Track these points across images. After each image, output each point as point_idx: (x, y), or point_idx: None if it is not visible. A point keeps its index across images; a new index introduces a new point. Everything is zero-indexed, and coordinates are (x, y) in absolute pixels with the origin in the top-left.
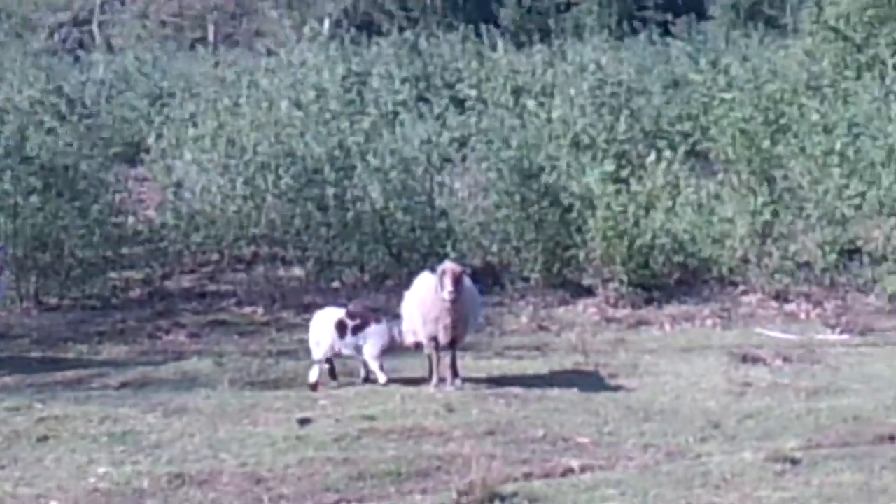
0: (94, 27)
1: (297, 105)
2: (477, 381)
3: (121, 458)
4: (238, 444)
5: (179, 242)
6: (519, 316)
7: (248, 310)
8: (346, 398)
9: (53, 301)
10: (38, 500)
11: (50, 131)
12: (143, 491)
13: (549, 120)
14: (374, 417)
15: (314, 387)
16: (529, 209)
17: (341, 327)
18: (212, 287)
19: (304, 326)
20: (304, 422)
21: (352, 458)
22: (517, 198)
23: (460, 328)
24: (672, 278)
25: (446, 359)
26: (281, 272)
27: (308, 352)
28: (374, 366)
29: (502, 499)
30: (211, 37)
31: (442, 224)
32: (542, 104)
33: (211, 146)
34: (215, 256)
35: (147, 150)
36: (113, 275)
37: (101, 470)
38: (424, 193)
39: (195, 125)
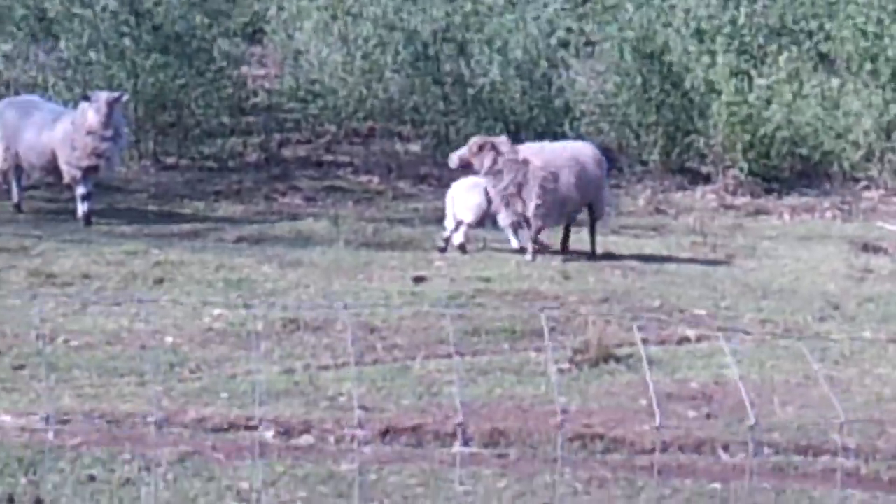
0: None
1: None
2: (593, 254)
3: (235, 303)
4: (353, 297)
5: (297, 112)
6: (636, 198)
7: (364, 178)
8: (462, 261)
9: (171, 160)
10: (154, 336)
11: None
12: (257, 333)
13: (672, 6)
14: (490, 279)
15: (463, 248)
16: (650, 92)
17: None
18: (328, 157)
19: (420, 196)
20: (418, 280)
21: (466, 314)
22: (638, 80)
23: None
24: (793, 170)
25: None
26: (398, 146)
27: (422, 220)
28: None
29: (617, 360)
30: None
31: (559, 102)
32: None
33: (331, 18)
34: (332, 128)
35: (267, 24)
36: (231, 139)
37: (217, 311)
38: (543, 71)
39: None
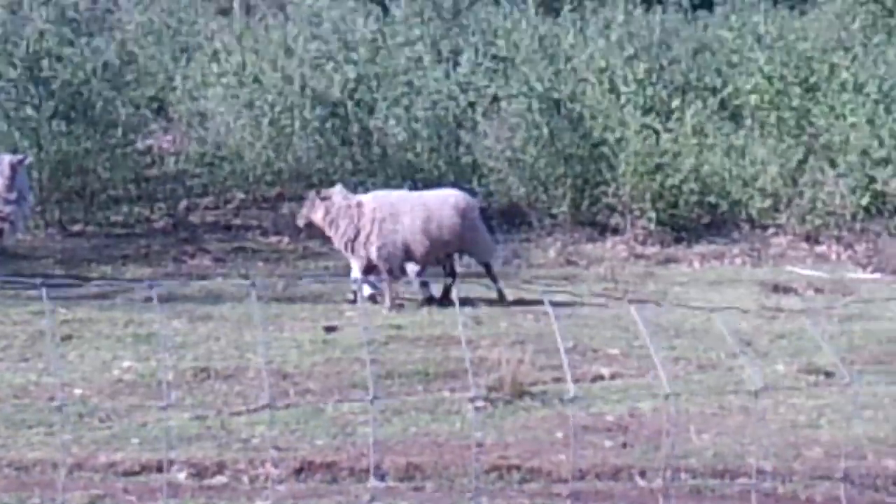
0: None
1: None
2: (501, 300)
3: (145, 355)
4: (264, 347)
5: (204, 178)
6: (546, 251)
7: (273, 239)
8: (373, 310)
9: (77, 227)
10: (63, 389)
11: (60, 59)
12: (167, 383)
13: (581, 60)
14: (402, 326)
15: (373, 299)
16: (558, 144)
17: None
18: (236, 221)
19: (330, 255)
20: (330, 329)
21: (379, 359)
22: (545, 132)
23: None
24: (701, 220)
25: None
26: None
27: (332, 276)
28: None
29: (532, 395)
30: (236, 5)
31: (467, 159)
32: (572, 46)
33: (238, 84)
34: (240, 194)
35: (172, 93)
36: (137, 205)
37: (126, 364)
38: (450, 129)
39: (219, 62)
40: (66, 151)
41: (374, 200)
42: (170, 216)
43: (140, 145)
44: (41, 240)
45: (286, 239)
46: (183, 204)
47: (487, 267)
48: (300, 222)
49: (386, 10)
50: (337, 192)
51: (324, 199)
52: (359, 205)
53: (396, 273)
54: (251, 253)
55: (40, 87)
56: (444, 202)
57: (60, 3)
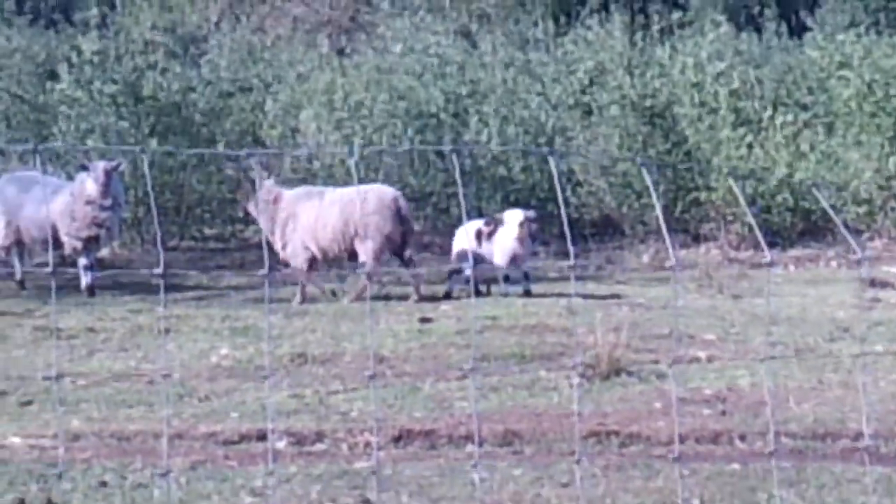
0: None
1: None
2: (598, 296)
3: (242, 345)
4: (360, 336)
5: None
6: (640, 257)
7: None
8: (468, 303)
9: (173, 242)
10: (161, 375)
11: (164, 71)
12: (264, 367)
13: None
14: (497, 317)
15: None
16: (651, 151)
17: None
18: None
19: (423, 262)
20: (425, 321)
21: (475, 345)
22: (639, 140)
23: None
24: (795, 226)
25: None
26: None
27: (427, 282)
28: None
29: (629, 373)
30: (325, 50)
31: (561, 168)
32: (661, 66)
33: (327, 103)
34: None
35: (263, 116)
36: (232, 220)
37: (223, 352)
38: (545, 139)
39: (308, 82)
40: (164, 167)
41: (290, 196)
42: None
43: (232, 169)
44: (137, 254)
45: None
46: None
47: (409, 261)
48: (243, 211)
49: (473, 43)
50: (265, 187)
51: (248, 191)
52: (276, 200)
53: (310, 269)
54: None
55: (140, 104)
56: (370, 200)
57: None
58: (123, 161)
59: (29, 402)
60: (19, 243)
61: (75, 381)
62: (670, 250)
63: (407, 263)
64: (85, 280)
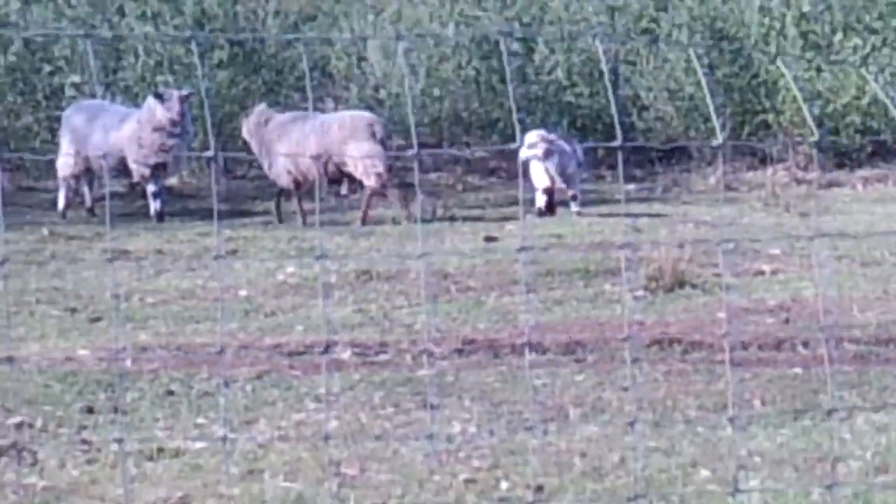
0: None
1: None
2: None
3: (308, 263)
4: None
5: None
6: (707, 179)
7: (433, 175)
8: (534, 223)
9: (241, 171)
10: (228, 291)
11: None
12: (330, 284)
13: None
14: (562, 235)
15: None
16: (717, 73)
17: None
18: (397, 164)
19: (490, 187)
20: (490, 239)
21: (539, 259)
22: (705, 62)
23: None
24: (864, 147)
25: None
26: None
27: (493, 206)
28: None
29: (693, 286)
30: None
31: (626, 92)
32: None
33: (394, 34)
34: (400, 141)
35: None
36: None
37: (289, 270)
38: (610, 65)
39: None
40: (230, 97)
41: (275, 120)
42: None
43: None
44: (205, 183)
45: (446, 174)
46: None
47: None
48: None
49: None
50: (256, 112)
51: (246, 116)
52: (266, 122)
53: (297, 189)
54: (412, 188)
55: (208, 35)
56: (343, 124)
57: None
58: (194, 91)
59: (98, 319)
60: (88, 171)
61: (143, 299)
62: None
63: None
64: (154, 206)
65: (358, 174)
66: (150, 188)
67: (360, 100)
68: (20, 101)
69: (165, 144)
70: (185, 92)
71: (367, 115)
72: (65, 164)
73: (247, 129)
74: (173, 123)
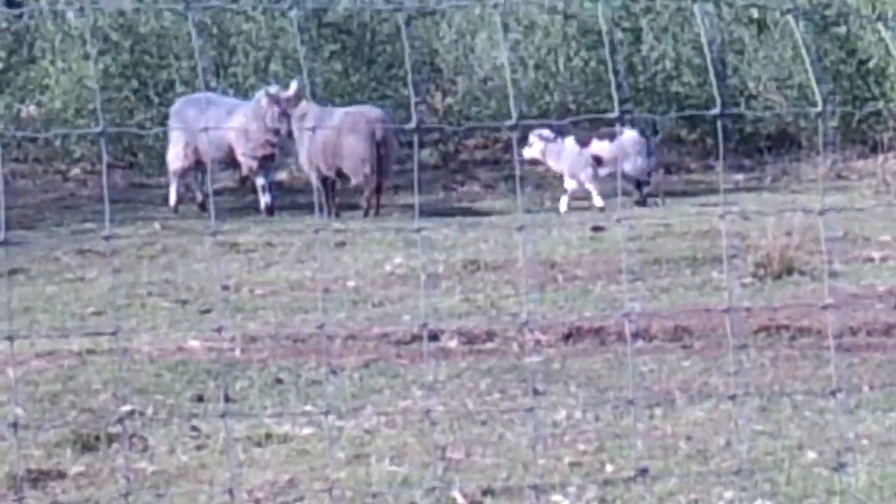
0: None
1: None
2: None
3: (415, 254)
4: (532, 244)
5: (473, 118)
6: (816, 168)
7: (541, 168)
8: (641, 213)
9: None
10: (337, 282)
11: None
12: (437, 275)
13: None
14: (669, 224)
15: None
16: (825, 61)
17: None
18: (506, 156)
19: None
20: (597, 229)
21: (647, 248)
22: (812, 49)
23: None
24: None
25: None
26: None
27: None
28: None
29: (801, 272)
30: None
31: (734, 81)
32: None
33: (502, 27)
34: (508, 134)
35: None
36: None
37: (397, 261)
38: (714, 51)
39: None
40: (341, 90)
41: (310, 116)
42: (439, 151)
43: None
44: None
45: None
46: (453, 140)
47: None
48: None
49: None
50: (301, 106)
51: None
52: (303, 117)
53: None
54: (521, 180)
55: (322, 30)
56: (347, 122)
57: None
58: (302, 85)
59: (208, 311)
60: (198, 164)
61: (252, 291)
62: None
63: (378, 189)
64: (264, 200)
65: (346, 170)
66: (260, 181)
67: (468, 92)
68: (133, 97)
69: (272, 139)
70: (292, 89)
71: (370, 112)
72: (175, 156)
73: (293, 122)
74: (280, 119)
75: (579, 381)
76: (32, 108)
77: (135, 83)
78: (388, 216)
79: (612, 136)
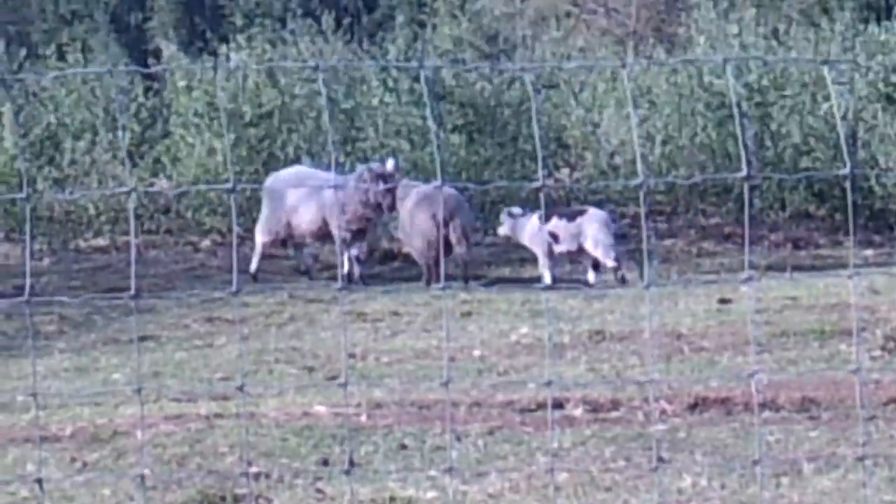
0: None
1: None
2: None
3: (541, 324)
4: (659, 316)
5: (599, 192)
6: None
7: (668, 242)
8: (769, 286)
9: (476, 236)
10: (463, 351)
11: (477, 68)
12: (563, 345)
13: None
14: (797, 297)
15: None
16: None
17: None
18: (633, 231)
19: (725, 253)
20: (724, 301)
21: (773, 321)
22: None
23: None
24: None
25: None
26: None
27: (727, 270)
28: None
29: None
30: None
31: (864, 155)
32: None
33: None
34: (634, 208)
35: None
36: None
37: (523, 330)
38: (846, 124)
39: (614, 81)
40: (466, 162)
41: (407, 195)
42: None
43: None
44: None
45: (681, 241)
46: None
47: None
48: None
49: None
50: (401, 184)
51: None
52: (404, 196)
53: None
54: (648, 254)
55: (442, 102)
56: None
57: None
58: (398, 164)
59: (334, 377)
60: (290, 237)
61: (378, 359)
62: None
63: (436, 261)
64: (356, 270)
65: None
66: (353, 252)
67: (595, 167)
68: (262, 171)
69: (370, 214)
70: (390, 165)
71: (438, 192)
72: (264, 231)
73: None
74: (384, 195)
75: (705, 449)
76: (164, 182)
77: (264, 156)
78: (514, 286)
79: (571, 216)
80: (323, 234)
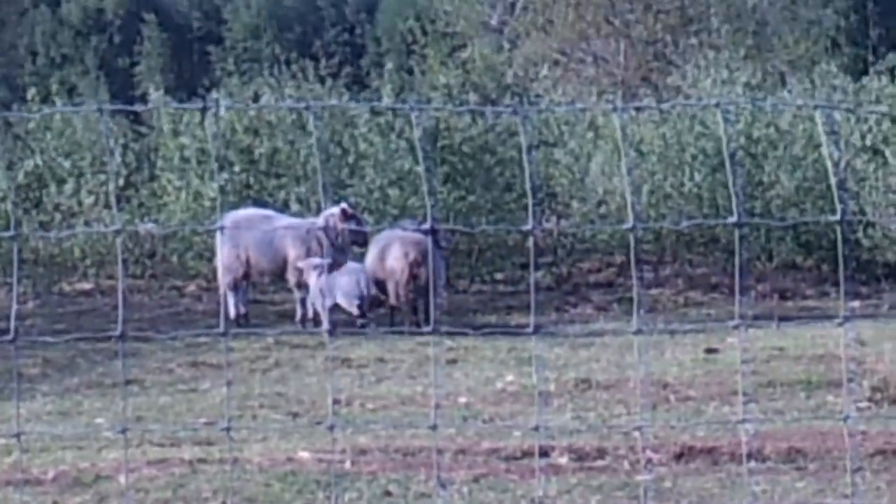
0: None
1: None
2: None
3: (527, 372)
4: (645, 365)
5: (587, 241)
6: None
7: (655, 291)
8: (756, 336)
9: (463, 284)
10: (449, 398)
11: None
12: (549, 393)
13: None
14: (784, 348)
15: None
16: None
17: None
18: (619, 280)
19: (712, 303)
20: (711, 351)
21: (760, 371)
22: None
23: None
24: None
25: None
26: (687, 267)
27: (714, 320)
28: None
29: None
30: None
31: (851, 206)
32: None
33: (614, 149)
34: (621, 257)
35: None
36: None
37: (509, 378)
38: (835, 179)
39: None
40: (456, 210)
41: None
42: (552, 273)
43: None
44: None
45: (668, 291)
46: (566, 261)
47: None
48: None
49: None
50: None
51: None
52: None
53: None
54: (632, 303)
55: (439, 152)
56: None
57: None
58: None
59: (318, 423)
60: (246, 276)
61: (364, 405)
62: None
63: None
64: (300, 312)
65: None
66: (300, 294)
67: (583, 216)
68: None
69: (337, 256)
70: (345, 207)
71: (408, 235)
72: (227, 270)
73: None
74: (356, 235)
75: (691, 499)
76: (151, 225)
77: (249, 203)
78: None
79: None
80: (281, 273)
